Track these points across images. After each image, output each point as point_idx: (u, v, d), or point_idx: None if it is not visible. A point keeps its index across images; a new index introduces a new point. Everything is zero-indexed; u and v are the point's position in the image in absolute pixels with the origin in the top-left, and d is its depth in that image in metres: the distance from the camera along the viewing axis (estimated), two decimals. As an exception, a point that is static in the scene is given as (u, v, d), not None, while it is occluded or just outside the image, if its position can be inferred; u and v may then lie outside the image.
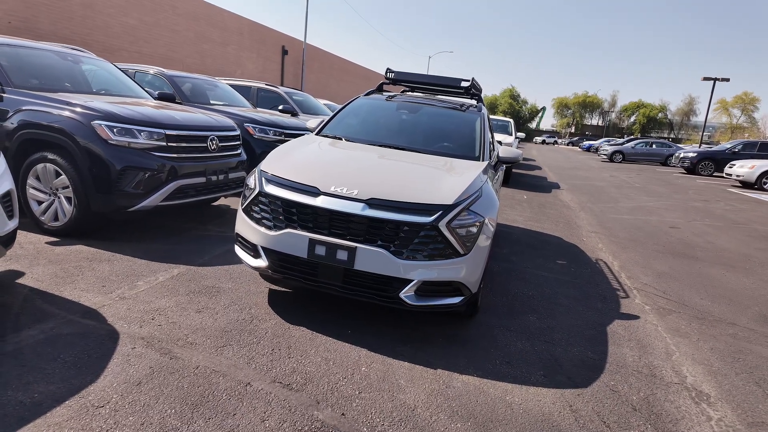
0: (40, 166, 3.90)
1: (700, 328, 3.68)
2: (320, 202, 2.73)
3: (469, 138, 3.98)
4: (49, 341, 2.41)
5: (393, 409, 2.21)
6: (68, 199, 3.89)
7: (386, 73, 4.72)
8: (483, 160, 3.71)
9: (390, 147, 3.75)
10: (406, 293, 2.70)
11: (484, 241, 2.90)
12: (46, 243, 3.80)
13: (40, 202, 3.99)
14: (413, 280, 2.68)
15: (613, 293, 4.29)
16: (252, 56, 25.40)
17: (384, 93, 4.89)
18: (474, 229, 2.82)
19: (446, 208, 2.73)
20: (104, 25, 16.23)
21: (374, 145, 3.78)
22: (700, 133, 36.19)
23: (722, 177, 17.73)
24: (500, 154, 4.04)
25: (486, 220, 2.92)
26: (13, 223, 2.71)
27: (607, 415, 2.38)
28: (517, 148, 22.07)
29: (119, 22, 16.81)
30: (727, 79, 29.48)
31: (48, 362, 2.23)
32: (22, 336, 2.43)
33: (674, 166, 24.01)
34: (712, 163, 19.91)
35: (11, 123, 3.90)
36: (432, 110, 4.47)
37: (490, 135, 4.48)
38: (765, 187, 15.01)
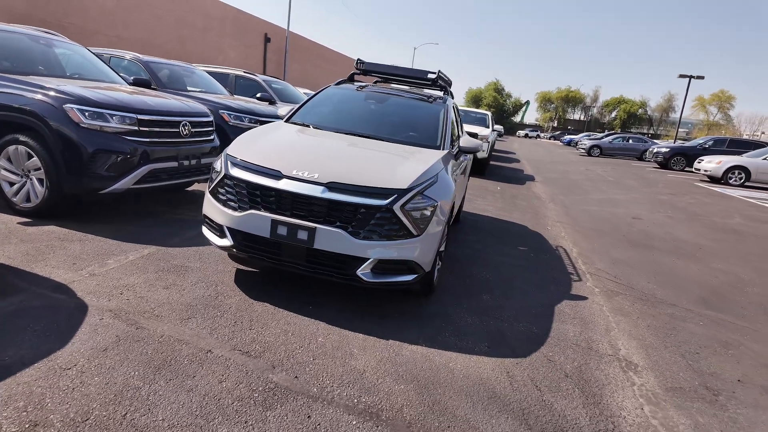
0: (11, 147, 3.97)
1: (642, 308, 3.97)
2: (282, 184, 2.90)
3: (432, 128, 4.17)
4: (19, 312, 2.54)
5: (343, 373, 2.42)
6: (40, 180, 3.97)
7: (357, 63, 4.87)
8: (443, 149, 3.91)
9: (356, 135, 3.92)
10: (362, 271, 2.90)
11: (437, 224, 3.11)
12: (18, 223, 3.89)
13: (11, 184, 4.06)
14: (369, 259, 2.88)
15: (566, 277, 4.56)
16: (234, 43, 25.12)
17: (355, 83, 5.04)
18: (427, 212, 3.02)
19: (401, 192, 2.92)
20: (81, 7, 15.91)
21: (341, 132, 3.94)
22: (678, 130, 37.13)
23: (692, 171, 18.32)
24: (461, 144, 4.24)
25: (439, 204, 3.12)
26: (-16, 201, 2.81)
27: (540, 381, 2.62)
28: (497, 140, 22.39)
29: (97, 5, 16.49)
30: (702, 77, 30.23)
31: (17, 331, 2.37)
32: (-7, 307, 2.56)
33: (648, 161, 24.67)
34: (684, 158, 20.54)
35: (-19, 105, 3.95)
36: (399, 101, 4.65)
37: (454, 125, 4.68)
38: (730, 182, 15.60)
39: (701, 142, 21.38)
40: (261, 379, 2.26)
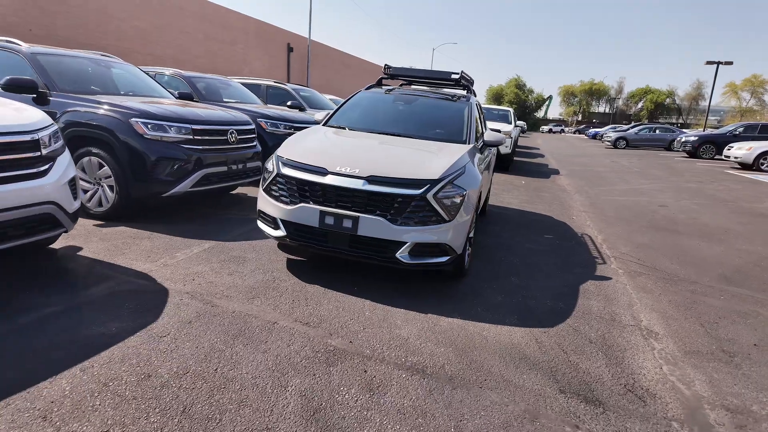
0: (85, 159, 4.51)
1: (664, 286, 4.20)
2: (328, 180, 3.29)
3: (458, 124, 4.51)
4: (114, 295, 3.01)
5: (390, 339, 2.78)
6: (110, 187, 4.49)
7: (384, 68, 5.26)
8: (469, 143, 4.24)
9: (388, 134, 4.29)
10: (401, 253, 3.26)
11: (466, 211, 3.44)
12: (94, 225, 4.41)
13: (86, 191, 4.59)
14: (407, 242, 3.24)
15: (591, 260, 4.81)
16: (259, 54, 25.99)
17: (383, 86, 5.42)
18: (457, 200, 3.36)
19: (433, 182, 3.28)
20: (117, 29, 16.90)
21: (374, 132, 4.33)
22: (708, 118, 36.22)
23: (723, 159, 18.00)
24: (485, 138, 4.57)
25: (468, 193, 3.46)
26: (77, 203, 3.30)
27: (567, 346, 2.92)
28: (520, 136, 22.44)
29: (131, 26, 17.48)
30: (731, 63, 29.49)
31: (116, 309, 2.83)
32: (92, 291, 3.03)
33: (677, 151, 24.23)
34: (713, 146, 20.16)
35: (59, 123, 4.50)
36: (425, 101, 5.01)
37: (478, 122, 5.00)
38: (762, 167, 15.31)
39: (731, 128, 20.93)
40: (322, 344, 2.64)
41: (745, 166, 15.90)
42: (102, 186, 4.54)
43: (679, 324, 3.40)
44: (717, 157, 19.82)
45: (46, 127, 3.08)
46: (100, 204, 4.57)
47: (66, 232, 3.24)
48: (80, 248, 3.78)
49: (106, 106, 4.46)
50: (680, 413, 2.32)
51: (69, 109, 4.50)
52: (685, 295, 4.00)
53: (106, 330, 2.58)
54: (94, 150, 4.45)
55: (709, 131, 25.54)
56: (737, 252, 5.48)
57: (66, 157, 3.26)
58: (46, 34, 14.15)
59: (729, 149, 16.77)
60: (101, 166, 4.48)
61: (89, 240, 4.00)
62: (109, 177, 4.46)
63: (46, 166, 2.99)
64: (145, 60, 17.00)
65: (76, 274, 3.33)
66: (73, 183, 3.24)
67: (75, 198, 3.28)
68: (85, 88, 4.95)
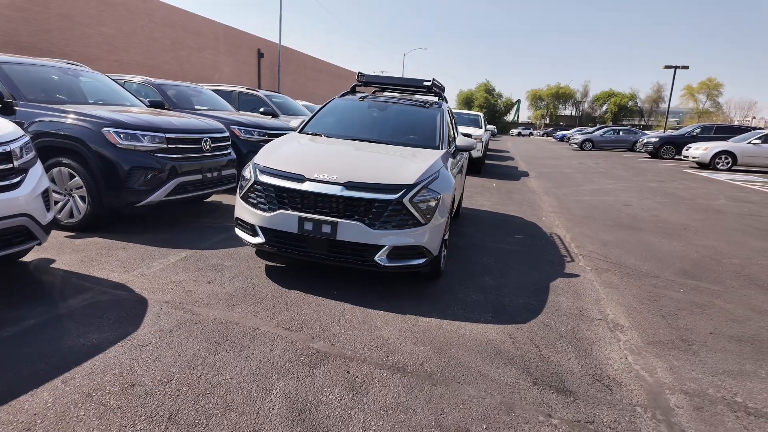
0: (55, 170, 4.43)
1: (629, 281, 4.42)
2: (306, 186, 3.36)
3: (430, 130, 4.64)
4: (92, 305, 2.99)
5: (371, 340, 2.86)
6: (82, 197, 4.42)
7: (358, 76, 5.36)
8: (442, 149, 4.38)
9: (363, 140, 4.39)
10: (380, 257, 3.35)
11: (441, 214, 3.57)
12: (66, 237, 4.33)
13: (56, 202, 4.50)
14: (385, 246, 3.33)
15: (560, 259, 5.01)
16: (228, 60, 25.72)
17: (357, 94, 5.52)
18: (432, 204, 3.48)
19: (409, 187, 3.39)
20: (82, 35, 16.46)
21: (349, 139, 4.42)
22: (668, 120, 37.82)
23: (682, 159, 18.86)
24: (457, 143, 4.72)
25: (442, 196, 3.58)
26: (51, 215, 3.26)
27: (539, 340, 3.07)
28: (491, 139, 22.91)
29: (96, 31, 17.05)
30: (687, 67, 30.93)
31: (96, 319, 2.81)
32: (70, 303, 3.01)
33: (639, 152, 25.23)
34: (673, 146, 21.11)
35: (28, 133, 4.40)
36: (399, 108, 5.13)
37: (450, 127, 5.16)
38: (718, 166, 16.13)
39: (689, 130, 21.98)
40: (304, 347, 2.70)
41: (702, 166, 16.72)
42: (73, 197, 4.47)
43: (643, 316, 3.60)
44: (677, 157, 20.75)
45: (18, 138, 3.04)
46: (71, 215, 4.49)
47: (40, 244, 3.20)
48: (53, 260, 3.72)
49: (76, 116, 4.40)
50: (644, 399, 2.48)
51: (37, 119, 4.41)
52: (647, 289, 4.23)
53: (86, 341, 2.57)
54: (65, 160, 4.38)
55: (669, 133, 26.70)
56: (695, 247, 5.81)
57: (38, 168, 3.22)
58: (8, 41, 13.68)
59: (687, 150, 17.61)
60: (72, 177, 4.41)
61: (62, 252, 3.93)
62: (81, 187, 4.39)
63: (19, 178, 2.95)
64: (111, 67, 16.62)
65: (52, 286, 3.29)
66: (46, 194, 3.20)
67: (48, 209, 3.24)
68: (53, 98, 4.87)
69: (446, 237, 3.99)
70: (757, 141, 16.15)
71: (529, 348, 2.95)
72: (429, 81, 5.30)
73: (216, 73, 24.13)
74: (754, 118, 70.39)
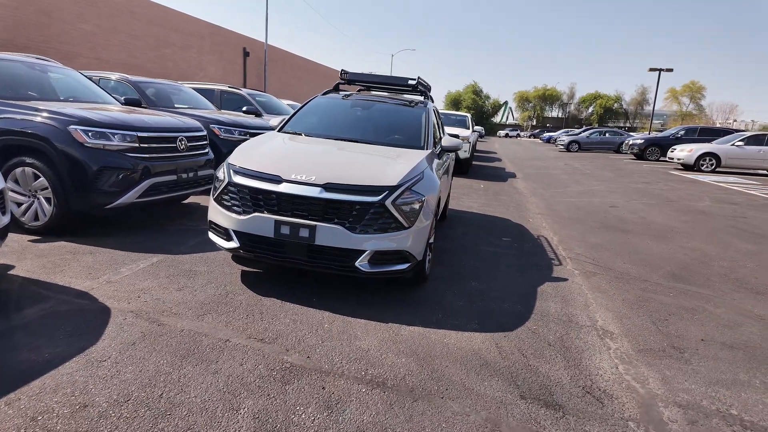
0: (18, 170, 4.17)
1: (618, 285, 4.32)
2: (283, 188, 3.17)
3: (415, 130, 4.49)
4: (50, 316, 2.77)
5: (350, 352, 2.69)
6: (48, 199, 4.18)
7: (341, 74, 5.18)
8: (427, 149, 4.22)
9: (345, 140, 4.22)
10: (361, 262, 3.18)
11: (425, 216, 3.41)
12: (29, 241, 4.09)
13: (19, 204, 4.25)
14: (367, 251, 3.16)
15: (548, 262, 4.90)
16: (213, 59, 25.32)
17: (340, 92, 5.34)
18: (416, 206, 3.33)
19: (391, 189, 3.23)
20: (61, 32, 16.01)
21: (331, 138, 4.24)
22: (652, 122, 38.29)
23: (667, 161, 19.02)
24: (443, 144, 4.57)
25: (427, 198, 3.43)
26: (6, 218, 3.03)
27: (526, 350, 2.93)
28: (478, 141, 22.91)
29: (76, 28, 16.60)
30: (671, 70, 31.31)
31: (52, 331, 2.60)
32: (26, 313, 2.79)
33: (625, 153, 25.44)
34: (658, 148, 21.29)
35: (-12, 131, 4.15)
36: (383, 107, 4.97)
37: (436, 127, 5.01)
38: (702, 168, 16.28)
39: (674, 132, 22.20)
40: (277, 360, 2.52)
41: (686, 167, 16.86)
42: (38, 198, 4.22)
43: (633, 322, 3.49)
44: (662, 158, 20.93)
45: (-32, 136, 2.81)
46: (36, 218, 4.24)
47: (-7, 250, 2.97)
48: (12, 266, 3.48)
49: (41, 113, 4.15)
50: (636, 413, 2.35)
51: (-1, 116, 4.16)
52: (637, 293, 4.13)
53: (37, 357, 2.36)
54: (28, 160, 4.13)
55: (654, 134, 26.97)
56: (683, 249, 5.75)
57: (-8, 168, 2.99)
58: (-21, 35, 13.22)
59: (672, 151, 17.75)
60: (36, 177, 4.16)
61: (23, 257, 3.69)
62: (46, 189, 4.15)
63: (-32, 179, 2.72)
64: (91, 64, 16.19)
65: (7, 295, 3.05)
66: (0, 197, 2.97)
67: (3, 213, 3.01)
68: (18, 94, 4.61)
69: (431, 240, 3.84)
70: (741, 143, 16.34)
71: (517, 358, 2.81)
72: (414, 79, 5.14)
73: (201, 72, 23.74)
74: (735, 120, 71.75)
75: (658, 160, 21.22)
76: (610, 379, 2.67)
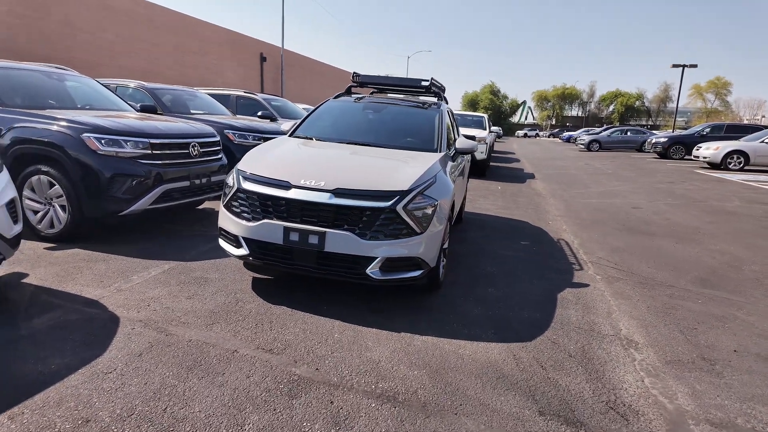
0: (34, 178, 4.21)
1: (642, 291, 4.13)
2: (292, 194, 3.11)
3: (428, 132, 4.38)
4: (59, 326, 2.75)
5: (360, 363, 2.60)
6: (63, 207, 4.21)
7: (353, 76, 5.11)
8: (440, 151, 4.11)
9: (357, 144, 4.14)
10: (372, 269, 3.09)
11: (438, 221, 3.30)
12: (45, 248, 4.12)
13: (36, 212, 4.29)
14: (377, 258, 3.07)
15: (568, 267, 4.72)
16: (231, 65, 25.62)
17: (352, 95, 5.27)
18: (429, 211, 3.22)
19: (402, 194, 3.13)
20: (83, 41, 16.39)
21: (342, 142, 4.17)
22: (676, 119, 37.27)
23: (692, 159, 18.44)
24: (457, 146, 4.45)
25: (440, 203, 3.32)
26: (18, 227, 3.04)
27: (545, 361, 2.79)
28: (496, 141, 22.64)
29: (97, 38, 16.97)
30: (695, 65, 30.42)
31: (60, 342, 2.58)
32: (34, 323, 2.77)
33: (648, 152, 24.78)
34: (683, 146, 20.65)
35: (4, 140, 4.20)
36: (395, 109, 4.88)
37: (450, 129, 4.90)
38: (730, 166, 15.71)
39: (699, 129, 21.53)
40: (285, 373, 2.45)
41: (713, 166, 16.30)
42: (53, 206, 4.25)
43: (659, 331, 3.32)
44: (686, 157, 20.31)
45: (-21, 145, 2.82)
46: (51, 225, 4.28)
47: (4, 259, 2.97)
48: (26, 275, 3.50)
49: (55, 121, 4.19)
50: (664, 431, 2.20)
51: (16, 125, 4.21)
52: (662, 300, 3.93)
53: (44, 368, 2.33)
54: (44, 168, 4.16)
55: (678, 132, 26.22)
56: (711, 252, 5.49)
57: (3, 177, 3.00)
58: (7, 48, 13.59)
59: (698, 149, 17.19)
60: (52, 185, 4.19)
61: (37, 265, 3.71)
62: (61, 196, 4.17)
63: (-21, 189, 2.73)
64: (112, 72, 16.50)
65: (18, 304, 3.06)
66: (12, 205, 2.98)
67: (15, 222, 3.02)
68: (35, 103, 4.66)
69: (445, 246, 3.73)
70: (770, 140, 15.71)
71: (535, 370, 2.68)
72: (427, 81, 5.04)
73: (219, 78, 24.02)
74: (763, 116, 69.39)
75: (682, 159, 20.58)
76: (636, 393, 2.51)
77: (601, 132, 31.16)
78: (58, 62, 9.20)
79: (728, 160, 15.74)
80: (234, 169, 3.49)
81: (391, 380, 2.46)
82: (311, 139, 4.29)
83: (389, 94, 5.68)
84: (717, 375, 2.76)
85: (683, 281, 4.43)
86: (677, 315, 3.62)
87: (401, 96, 5.54)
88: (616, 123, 63.49)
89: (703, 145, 17.11)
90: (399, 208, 3.08)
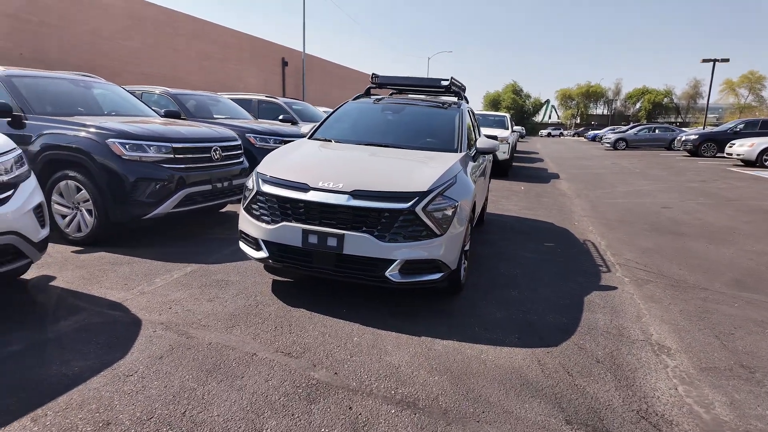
0: (62, 183, 4.32)
1: (674, 294, 3.96)
2: (310, 196, 3.09)
3: (448, 132, 4.31)
4: (83, 329, 2.79)
5: (380, 368, 2.55)
6: (89, 211, 4.30)
7: (372, 78, 5.08)
8: (460, 152, 4.04)
9: (376, 145, 4.10)
10: (391, 272, 3.04)
11: (459, 223, 3.23)
12: (72, 252, 4.21)
13: (64, 216, 4.40)
14: (396, 260, 3.02)
15: (595, 268, 4.58)
16: (253, 70, 26.02)
17: (371, 96, 5.24)
18: (449, 212, 3.15)
19: (422, 195, 3.07)
20: (109, 49, 16.90)
21: (361, 144, 4.14)
22: (707, 116, 36.06)
23: (724, 157, 17.78)
24: (478, 146, 4.37)
25: (460, 204, 3.25)
26: (45, 231, 3.11)
27: (572, 367, 2.69)
28: (519, 141, 22.30)
29: (123, 46, 17.47)
30: (727, 60, 29.37)
31: (83, 344, 2.61)
32: (60, 326, 2.82)
33: (678, 150, 24.03)
34: (714, 144, 19.93)
35: (35, 146, 4.33)
36: (415, 109, 4.82)
37: (471, 129, 4.81)
38: (766, 164, 15.07)
39: (732, 126, 20.72)
40: (304, 377, 2.42)
41: (747, 163, 15.67)
42: (80, 210, 4.35)
43: (693, 336, 3.16)
44: (719, 155, 19.60)
45: (8, 152, 2.90)
46: (78, 229, 4.38)
47: (32, 262, 3.04)
48: (53, 277, 3.58)
49: (82, 127, 4.29)
50: (701, 443, 2.08)
51: (45, 132, 4.33)
52: (696, 303, 3.76)
53: (67, 370, 2.36)
54: (71, 173, 4.27)
55: (709, 129, 25.32)
56: (747, 253, 5.25)
57: (31, 182, 3.07)
58: (37, 57, 14.12)
59: (731, 146, 16.55)
60: (79, 190, 4.29)
61: (64, 268, 3.79)
62: (88, 201, 4.27)
63: (7, 194, 2.80)
64: (137, 79, 16.95)
65: (45, 307, 3.12)
66: (39, 210, 3.05)
67: (42, 226, 3.09)
68: (64, 110, 4.79)
69: (466, 248, 3.65)
70: (809, 135, 15.01)
71: (561, 377, 2.58)
72: (447, 80, 4.97)
73: (241, 83, 24.42)
74: (801, 111, 66.42)
75: (714, 157, 19.86)
76: (669, 402, 2.39)
77: (627, 130, 30.37)
78: (85, 70, 9.49)
79: (764, 157, 15.10)
80: (254, 172, 3.50)
81: (411, 386, 2.40)
82: (330, 141, 4.28)
83: (409, 95, 5.64)
84: (757, 383, 2.61)
85: (718, 284, 4.24)
86: (712, 319, 3.45)
87: (421, 96, 5.48)
88: (644, 121, 61.79)
89: (737, 141, 16.47)
90: (418, 209, 3.02)
